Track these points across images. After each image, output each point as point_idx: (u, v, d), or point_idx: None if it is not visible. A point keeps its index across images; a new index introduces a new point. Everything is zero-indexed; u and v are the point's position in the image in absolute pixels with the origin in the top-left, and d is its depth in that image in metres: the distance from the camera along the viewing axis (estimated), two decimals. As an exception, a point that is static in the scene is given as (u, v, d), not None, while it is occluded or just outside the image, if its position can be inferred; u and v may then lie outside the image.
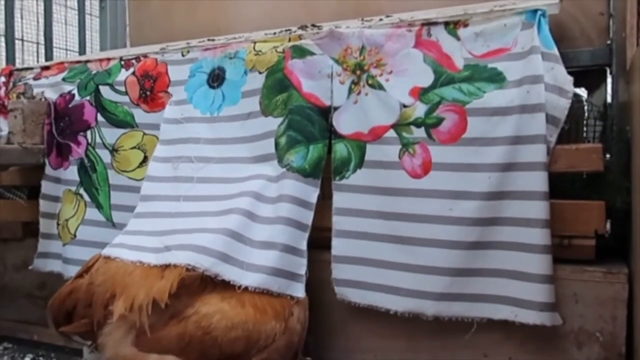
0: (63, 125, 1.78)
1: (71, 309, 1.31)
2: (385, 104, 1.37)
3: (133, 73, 1.71)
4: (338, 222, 1.41)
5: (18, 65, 2.22)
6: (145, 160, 1.67)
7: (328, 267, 1.41)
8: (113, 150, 1.71)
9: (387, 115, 1.37)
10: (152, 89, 1.68)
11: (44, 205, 1.78)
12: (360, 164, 1.39)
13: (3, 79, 1.94)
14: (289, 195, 1.40)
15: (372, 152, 1.38)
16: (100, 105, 1.73)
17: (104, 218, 1.71)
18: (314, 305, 1.38)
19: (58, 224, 1.78)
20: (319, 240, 1.41)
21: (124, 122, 1.70)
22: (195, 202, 1.50)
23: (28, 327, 1.90)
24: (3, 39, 2.28)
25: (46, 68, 1.91)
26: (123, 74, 1.73)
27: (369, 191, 1.38)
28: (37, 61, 2.59)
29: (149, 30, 2.41)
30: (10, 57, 2.25)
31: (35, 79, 1.88)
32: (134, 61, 1.74)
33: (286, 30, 1.64)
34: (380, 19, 1.53)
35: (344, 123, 1.42)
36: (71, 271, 1.66)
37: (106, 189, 1.71)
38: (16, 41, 2.34)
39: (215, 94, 1.60)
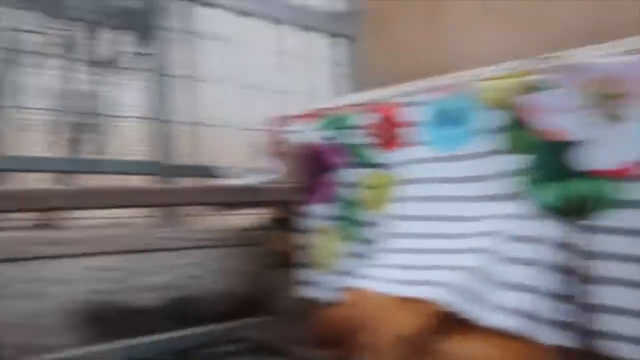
0: (316, 167, 2.06)
1: (326, 335, 1.47)
2: (636, 137, 1.24)
3: (373, 117, 1.89)
4: (600, 268, 1.27)
5: (283, 113, 2.63)
6: (387, 198, 1.81)
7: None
8: (361, 189, 1.91)
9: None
10: (389, 131, 1.82)
11: (301, 238, 2.07)
12: (618, 203, 1.26)
13: (277, 126, 2.31)
14: (538, 236, 1.35)
15: (632, 190, 1.24)
16: (346, 148, 1.96)
17: (356, 251, 1.89)
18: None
19: (313, 255, 2.04)
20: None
21: (367, 164, 1.89)
22: (434, 240, 1.57)
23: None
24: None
25: (304, 116, 2.22)
26: (363, 118, 1.92)
27: (630, 234, 1.24)
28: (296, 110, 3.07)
29: (378, 73, 2.60)
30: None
31: (296, 125, 2.20)
32: (372, 105, 1.92)
33: (517, 65, 1.61)
34: (619, 47, 1.39)
35: (592, 158, 1.32)
36: (329, 299, 1.87)
37: (357, 225, 1.90)
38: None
39: (448, 134, 1.66)
